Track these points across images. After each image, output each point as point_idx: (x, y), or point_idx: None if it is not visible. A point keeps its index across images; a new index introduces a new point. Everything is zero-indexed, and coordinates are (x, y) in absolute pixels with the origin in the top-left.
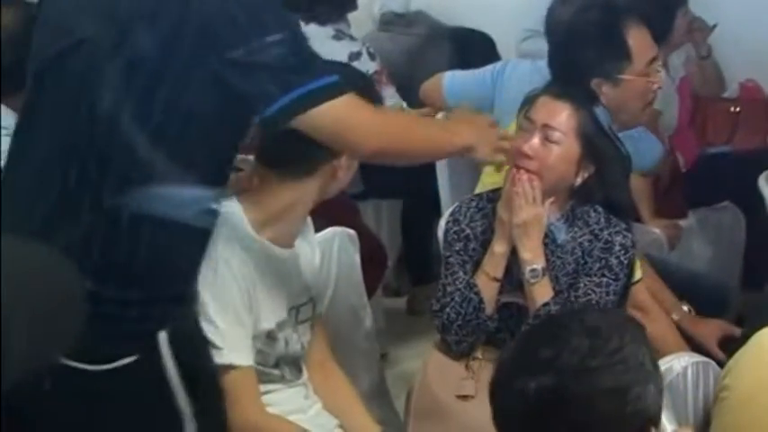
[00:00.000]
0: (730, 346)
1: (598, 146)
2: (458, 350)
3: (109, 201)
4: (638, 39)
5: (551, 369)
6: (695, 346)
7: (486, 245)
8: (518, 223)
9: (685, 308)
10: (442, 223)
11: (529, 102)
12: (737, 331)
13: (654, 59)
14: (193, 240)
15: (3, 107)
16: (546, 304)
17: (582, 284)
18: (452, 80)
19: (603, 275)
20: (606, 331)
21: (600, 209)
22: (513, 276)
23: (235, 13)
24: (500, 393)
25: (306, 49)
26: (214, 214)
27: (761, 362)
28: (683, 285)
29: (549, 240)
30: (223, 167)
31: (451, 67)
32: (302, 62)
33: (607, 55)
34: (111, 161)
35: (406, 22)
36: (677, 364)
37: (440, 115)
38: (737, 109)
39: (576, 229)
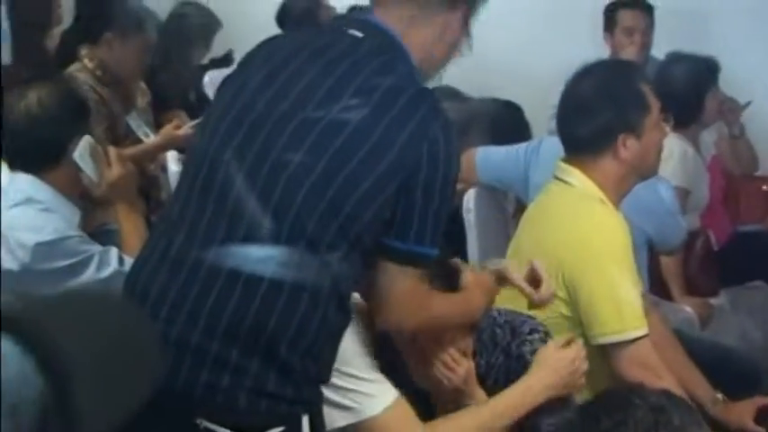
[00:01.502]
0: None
1: None
2: None
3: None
4: (647, 90)
5: None
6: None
7: None
8: (455, 392)
9: (719, 396)
10: None
11: None
12: None
13: (660, 109)
14: (341, 327)
15: (38, 180)
16: None
17: None
18: (485, 157)
19: None
20: (669, 409)
21: (502, 320)
22: None
23: (433, 178)
24: None
25: (442, 219)
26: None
27: None
28: (714, 364)
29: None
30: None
31: (483, 139)
32: (433, 227)
33: (630, 107)
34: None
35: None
36: None
37: (471, 192)
38: None
39: (486, 354)
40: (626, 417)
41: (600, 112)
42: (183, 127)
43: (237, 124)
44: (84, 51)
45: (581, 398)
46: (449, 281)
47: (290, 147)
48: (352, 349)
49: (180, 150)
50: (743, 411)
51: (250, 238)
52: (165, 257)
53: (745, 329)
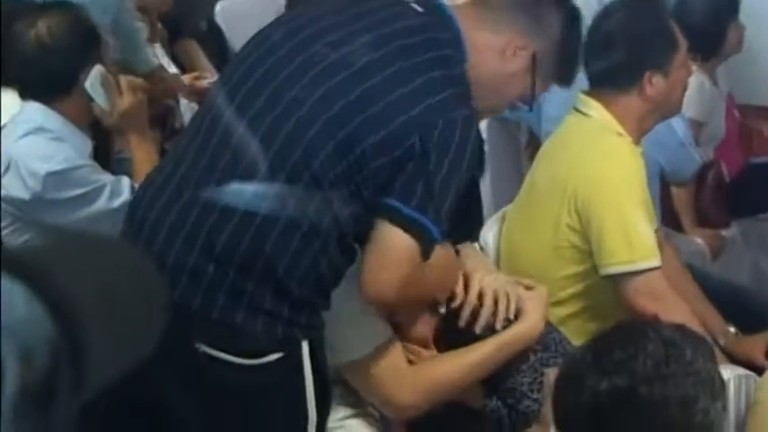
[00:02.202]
0: None
1: None
2: None
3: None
4: (676, 28)
5: (625, 371)
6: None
7: None
8: None
9: (732, 329)
10: (484, 232)
11: None
12: None
13: (686, 48)
14: (343, 262)
15: (49, 110)
16: None
17: None
18: None
19: None
20: (681, 343)
21: None
22: None
23: (443, 153)
24: (568, 390)
25: (445, 203)
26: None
27: None
28: (725, 300)
29: None
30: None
31: None
32: (436, 204)
33: (659, 45)
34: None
35: None
36: None
37: (482, 122)
38: None
39: None
40: (637, 350)
41: (628, 48)
42: (204, 81)
43: (255, 68)
44: None
45: (582, 334)
46: None
47: (310, 84)
48: (344, 290)
49: None
50: (754, 345)
51: (250, 170)
52: (168, 184)
53: (757, 261)
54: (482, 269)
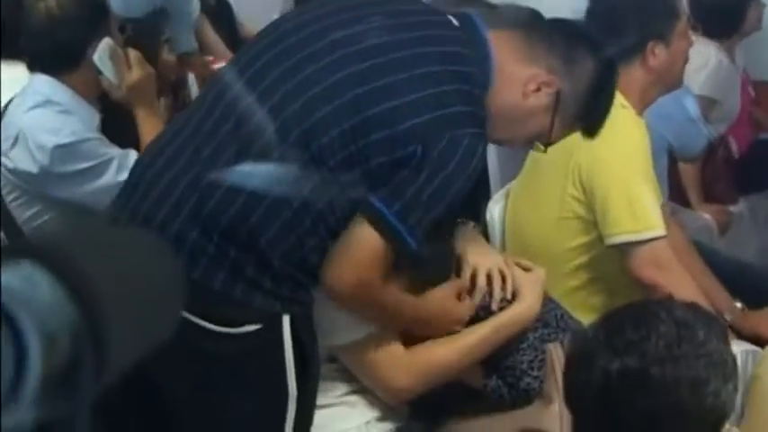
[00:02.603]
0: None
1: None
2: None
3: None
4: None
5: (637, 351)
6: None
7: None
8: None
9: (738, 305)
10: (490, 206)
11: None
12: None
13: (686, 18)
14: (327, 235)
15: (57, 82)
16: None
17: None
18: None
19: None
20: (694, 324)
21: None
22: None
23: (441, 167)
24: (579, 368)
25: (429, 217)
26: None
27: None
28: (732, 276)
29: None
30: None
31: None
32: (419, 216)
33: (661, 14)
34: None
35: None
36: None
37: None
38: None
39: None
40: (649, 331)
41: (630, 19)
42: (218, 64)
43: (267, 49)
44: None
45: (588, 308)
46: (443, 266)
47: (324, 69)
48: None
49: None
50: (760, 320)
51: (249, 141)
52: (164, 152)
53: (764, 238)
54: (477, 250)
